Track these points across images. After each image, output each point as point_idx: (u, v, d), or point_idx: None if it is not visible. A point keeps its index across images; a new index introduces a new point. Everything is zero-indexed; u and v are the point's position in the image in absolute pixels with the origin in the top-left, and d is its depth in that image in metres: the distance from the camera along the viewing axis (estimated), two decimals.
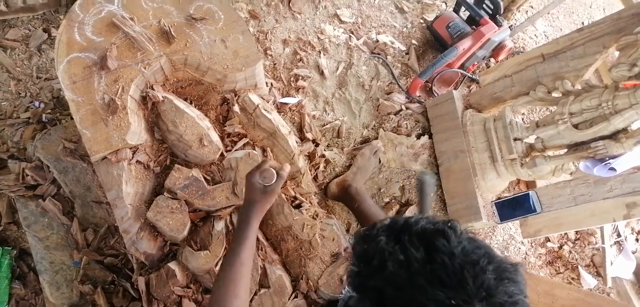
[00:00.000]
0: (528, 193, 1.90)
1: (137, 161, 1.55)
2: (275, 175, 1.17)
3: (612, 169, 1.52)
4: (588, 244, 2.31)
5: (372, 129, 2.23)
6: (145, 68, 1.55)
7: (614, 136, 1.54)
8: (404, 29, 2.51)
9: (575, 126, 1.62)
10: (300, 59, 2.24)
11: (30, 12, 1.98)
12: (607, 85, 1.58)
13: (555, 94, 1.76)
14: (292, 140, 1.74)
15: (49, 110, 1.91)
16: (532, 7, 2.90)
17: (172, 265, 1.55)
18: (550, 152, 1.76)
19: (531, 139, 1.82)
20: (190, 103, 1.69)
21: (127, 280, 1.73)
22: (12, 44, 1.95)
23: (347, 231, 2.07)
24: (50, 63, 1.98)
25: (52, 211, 1.73)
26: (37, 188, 1.77)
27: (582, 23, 3.08)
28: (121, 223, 1.52)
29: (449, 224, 0.66)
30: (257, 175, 1.15)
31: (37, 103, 1.89)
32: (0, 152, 1.82)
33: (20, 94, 1.92)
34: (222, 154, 1.66)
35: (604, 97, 1.53)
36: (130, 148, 1.52)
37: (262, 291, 1.58)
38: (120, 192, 1.49)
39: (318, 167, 2.06)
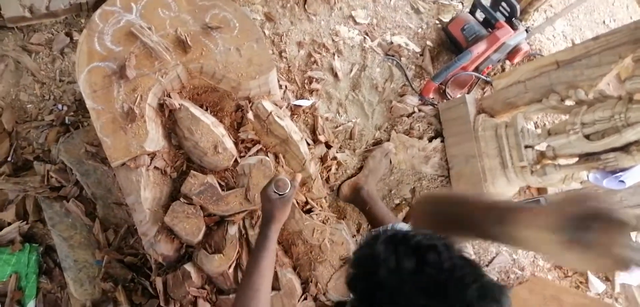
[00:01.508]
0: (539, 199, 1.91)
1: (155, 167, 1.61)
2: (289, 184, 1.22)
3: (622, 181, 1.52)
4: None
5: (385, 130, 2.25)
6: (162, 77, 1.60)
7: (625, 148, 1.53)
8: (419, 30, 2.50)
9: (587, 136, 1.61)
10: (315, 61, 2.26)
11: (53, 18, 2.05)
12: (620, 96, 1.56)
13: (568, 103, 1.74)
14: (304, 146, 1.78)
15: (72, 113, 1.98)
16: (551, 6, 2.84)
17: (188, 266, 1.62)
18: (561, 161, 1.75)
19: (542, 147, 1.82)
20: (206, 109, 1.74)
21: (146, 278, 1.82)
22: (36, 48, 2.02)
23: (358, 231, 2.11)
24: (72, 66, 2.05)
25: (75, 212, 1.82)
26: (61, 189, 1.86)
27: (603, 21, 3.01)
28: (140, 226, 1.60)
29: (445, 242, 0.70)
30: (272, 186, 1.21)
31: (60, 106, 1.97)
32: (27, 153, 1.91)
33: (44, 96, 2.00)
34: (236, 160, 1.71)
35: (616, 109, 1.52)
36: (149, 154, 1.59)
37: (273, 293, 1.63)
38: (138, 197, 1.56)
39: (330, 170, 2.10)
